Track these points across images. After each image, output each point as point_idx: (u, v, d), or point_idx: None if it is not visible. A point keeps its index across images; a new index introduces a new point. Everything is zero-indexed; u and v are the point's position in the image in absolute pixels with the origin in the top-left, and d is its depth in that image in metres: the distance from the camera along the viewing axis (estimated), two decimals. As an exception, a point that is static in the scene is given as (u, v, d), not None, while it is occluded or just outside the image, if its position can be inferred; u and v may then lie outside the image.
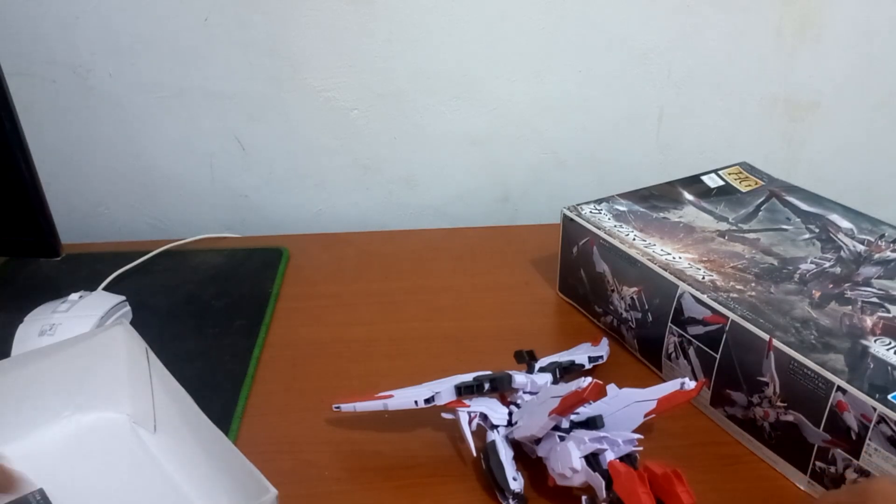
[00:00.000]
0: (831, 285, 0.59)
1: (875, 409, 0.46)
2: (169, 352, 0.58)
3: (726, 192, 0.76)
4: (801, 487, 0.53)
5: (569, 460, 0.48)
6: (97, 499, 0.51)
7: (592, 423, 0.51)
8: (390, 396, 0.55)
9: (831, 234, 0.67)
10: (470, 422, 0.54)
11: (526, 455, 0.54)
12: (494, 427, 0.54)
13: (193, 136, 0.91)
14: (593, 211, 0.72)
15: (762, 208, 0.72)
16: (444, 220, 1.00)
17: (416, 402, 0.54)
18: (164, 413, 0.54)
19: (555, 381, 0.58)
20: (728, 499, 0.53)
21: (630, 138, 0.96)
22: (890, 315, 0.55)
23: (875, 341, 0.52)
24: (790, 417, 0.52)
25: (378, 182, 0.96)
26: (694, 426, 0.60)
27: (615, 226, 0.69)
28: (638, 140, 0.96)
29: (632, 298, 0.65)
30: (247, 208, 0.97)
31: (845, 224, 0.68)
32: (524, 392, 0.56)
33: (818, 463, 0.51)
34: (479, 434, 0.55)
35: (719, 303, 0.57)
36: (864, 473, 0.48)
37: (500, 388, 0.56)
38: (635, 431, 0.50)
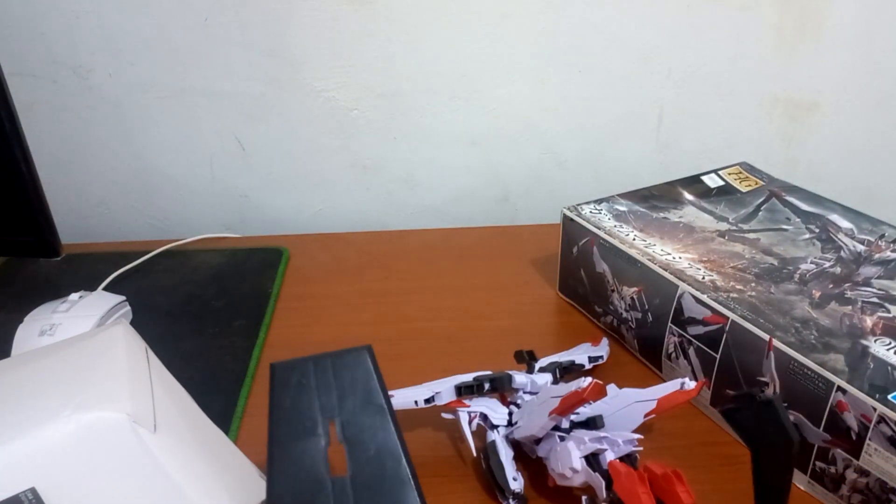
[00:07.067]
0: (831, 285, 0.59)
1: (875, 409, 0.46)
2: (169, 352, 0.58)
3: (726, 192, 0.76)
4: (801, 487, 0.53)
5: (569, 460, 0.48)
6: (97, 498, 0.51)
7: (592, 423, 0.51)
8: (391, 396, 0.55)
9: (831, 234, 0.67)
10: (470, 422, 0.54)
11: (526, 455, 0.54)
12: (494, 427, 0.54)
13: (193, 136, 0.91)
14: (593, 211, 0.72)
15: (762, 208, 0.72)
16: (444, 220, 1.00)
17: (416, 402, 0.54)
18: (164, 413, 0.54)
19: (555, 381, 0.58)
20: (728, 499, 0.53)
21: (630, 138, 0.96)
22: (890, 315, 0.55)
23: (875, 341, 0.52)
24: (790, 417, 0.52)
25: (378, 182, 0.96)
26: (694, 426, 0.60)
27: (615, 226, 0.69)
28: (638, 140, 0.96)
29: (632, 298, 0.65)
30: (247, 208, 0.97)
31: (845, 224, 0.68)
32: (524, 392, 0.56)
33: (818, 463, 0.51)
34: (479, 434, 0.55)
35: (719, 303, 0.57)
36: (864, 474, 0.48)
37: (500, 388, 0.56)
38: (635, 431, 0.50)
